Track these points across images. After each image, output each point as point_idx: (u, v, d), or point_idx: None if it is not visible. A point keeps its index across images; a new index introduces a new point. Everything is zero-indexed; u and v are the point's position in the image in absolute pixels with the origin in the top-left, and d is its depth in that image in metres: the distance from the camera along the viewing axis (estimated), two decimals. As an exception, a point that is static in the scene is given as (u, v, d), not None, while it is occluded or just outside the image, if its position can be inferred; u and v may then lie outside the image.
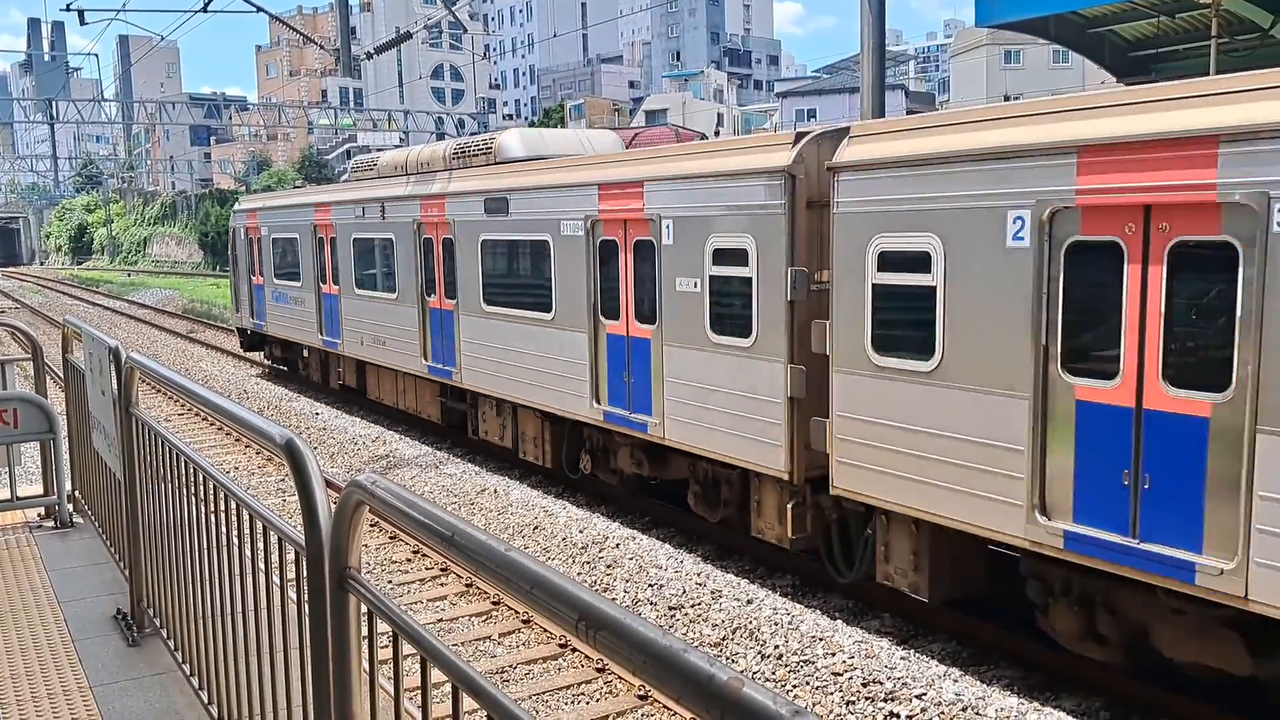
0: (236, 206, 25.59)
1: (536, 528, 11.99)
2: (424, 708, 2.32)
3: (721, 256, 9.92)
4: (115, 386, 5.03)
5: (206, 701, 4.18)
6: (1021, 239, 7.25)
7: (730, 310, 9.88)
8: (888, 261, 8.26)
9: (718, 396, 10.05)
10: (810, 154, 9.04)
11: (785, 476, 9.37)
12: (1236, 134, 6.03)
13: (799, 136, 9.22)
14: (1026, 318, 7.24)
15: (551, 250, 12.58)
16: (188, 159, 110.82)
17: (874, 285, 8.37)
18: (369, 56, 34.98)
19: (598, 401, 11.95)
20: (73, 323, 6.96)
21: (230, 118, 73.87)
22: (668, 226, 10.56)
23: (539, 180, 12.92)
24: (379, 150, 21.87)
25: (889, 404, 8.33)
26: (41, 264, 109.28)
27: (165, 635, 4.86)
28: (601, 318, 11.89)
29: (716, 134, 69.20)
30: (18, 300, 49.37)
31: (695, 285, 10.27)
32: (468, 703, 2.12)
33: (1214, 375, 6.32)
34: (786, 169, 9.03)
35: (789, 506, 9.52)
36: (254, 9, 29.08)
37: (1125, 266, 6.72)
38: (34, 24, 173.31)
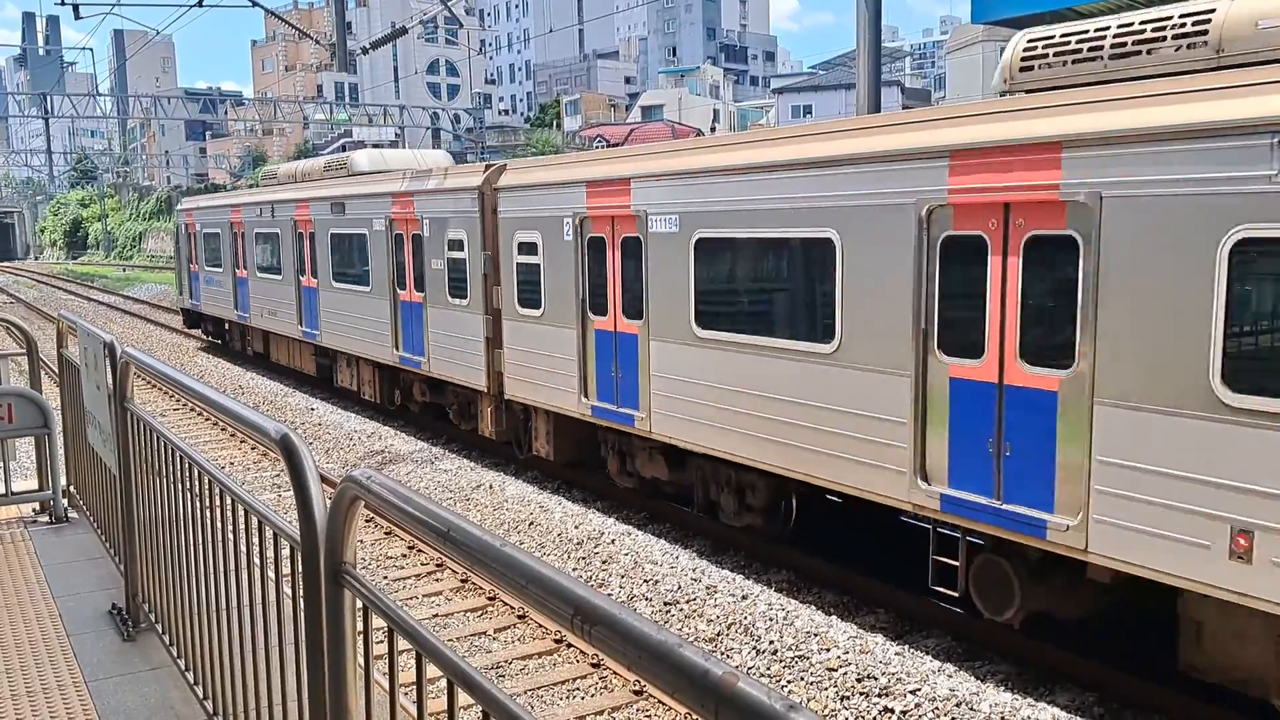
0: (179, 206, 30.72)
1: (532, 523, 11.99)
2: (419, 703, 2.32)
3: (453, 245, 14.78)
4: (110, 381, 5.03)
5: (201, 696, 4.18)
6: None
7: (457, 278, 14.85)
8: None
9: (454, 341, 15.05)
10: (494, 177, 13.93)
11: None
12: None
13: (487, 166, 14.39)
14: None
15: (369, 240, 17.55)
16: (183, 154, 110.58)
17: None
18: (364, 52, 34.90)
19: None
20: (68, 318, 6.95)
21: (225, 113, 73.73)
22: (426, 223, 15.49)
23: (361, 190, 17.88)
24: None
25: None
26: (36, 259, 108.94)
27: (160, 630, 4.86)
28: (396, 289, 16.85)
29: (713, 130, 69.14)
30: (12, 295, 49.25)
31: (437, 264, 15.24)
32: (463, 698, 2.12)
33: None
34: (478, 187, 13.92)
35: (489, 410, 14.47)
36: (249, 3, 28.98)
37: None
38: (29, 18, 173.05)
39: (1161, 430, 6.49)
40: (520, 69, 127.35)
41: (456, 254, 14.59)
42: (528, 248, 13.11)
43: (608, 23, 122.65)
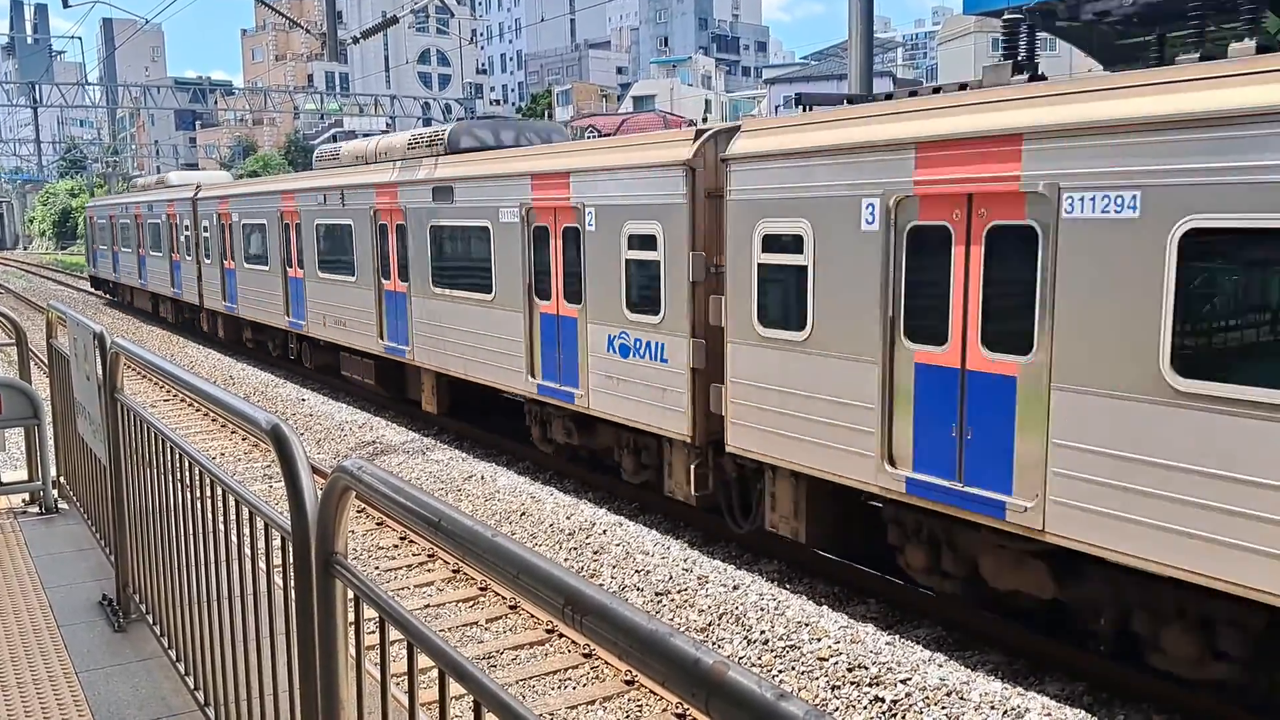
0: (87, 204, 44.58)
1: (523, 513, 12.00)
2: (410, 693, 2.33)
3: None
4: (100, 372, 5.01)
5: (192, 687, 4.18)
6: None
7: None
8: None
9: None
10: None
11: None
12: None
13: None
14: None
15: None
16: (173, 143, 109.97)
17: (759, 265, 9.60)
18: (355, 41, 34.76)
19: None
20: (57, 308, 6.92)
21: (215, 102, 73.32)
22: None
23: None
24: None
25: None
26: (25, 249, 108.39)
27: (151, 621, 4.86)
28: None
29: (704, 120, 69.02)
30: (1, 285, 49.01)
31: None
32: (454, 688, 2.12)
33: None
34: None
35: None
36: (239, -8, 28.78)
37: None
38: (17, 6, 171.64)
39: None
40: (512, 59, 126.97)
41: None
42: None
43: (599, 12, 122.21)
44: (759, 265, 9.42)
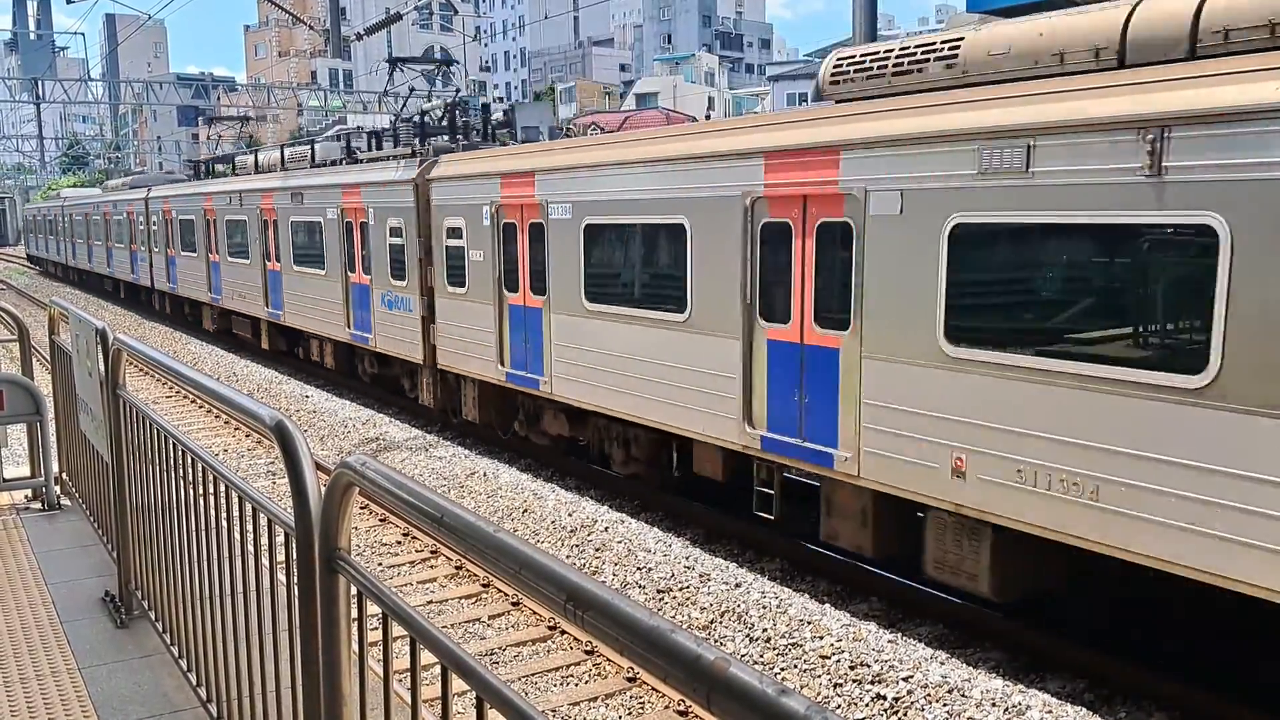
0: (27, 206, 59.04)
1: (526, 510, 12.00)
2: (413, 689, 2.33)
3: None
4: (102, 368, 5.01)
5: (195, 683, 4.18)
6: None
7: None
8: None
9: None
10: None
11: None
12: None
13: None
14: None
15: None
16: (175, 139, 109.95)
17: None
18: (359, 38, 34.75)
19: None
20: (59, 304, 6.92)
21: (218, 98, 73.27)
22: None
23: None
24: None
25: None
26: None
27: (154, 617, 4.86)
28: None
29: (707, 117, 68.93)
30: (3, 282, 49.04)
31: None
32: (457, 684, 2.12)
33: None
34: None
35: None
36: (242, -12, 28.80)
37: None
38: (20, 1, 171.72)
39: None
40: (515, 56, 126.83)
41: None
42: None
43: (603, 10, 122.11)
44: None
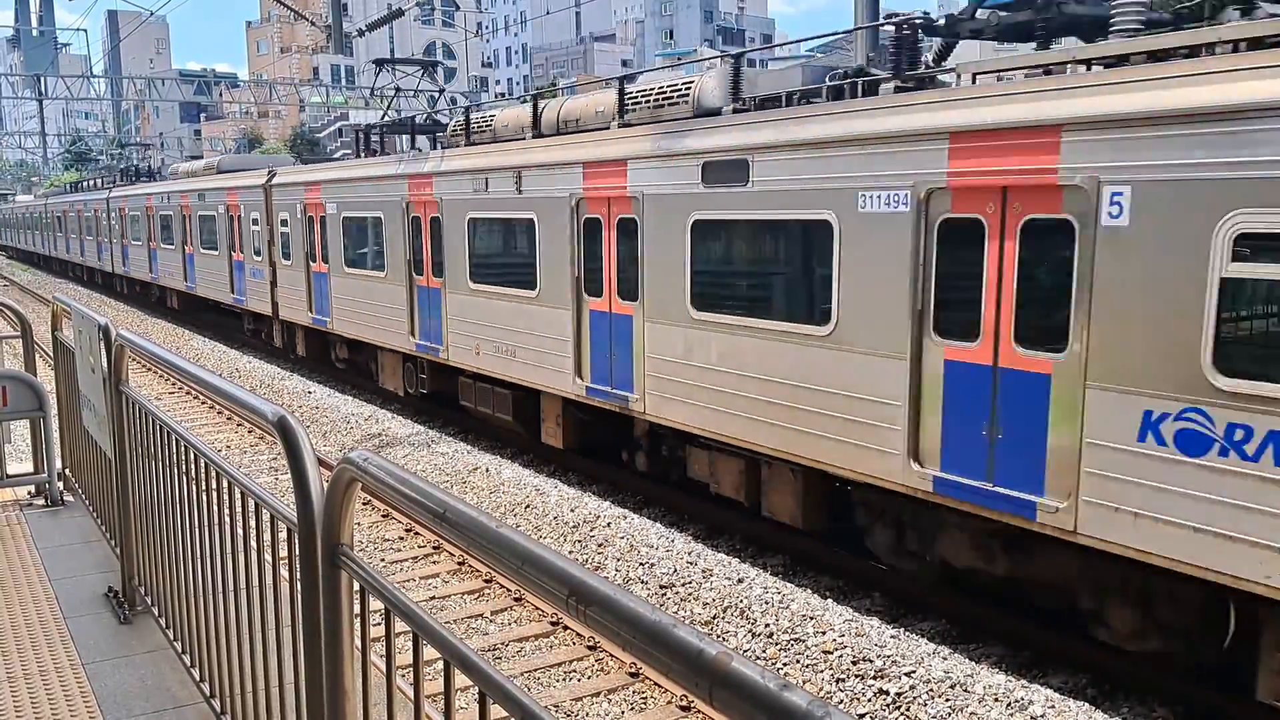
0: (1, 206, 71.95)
1: (528, 506, 12.01)
2: (416, 684, 2.33)
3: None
4: (105, 364, 5.01)
5: (198, 679, 4.18)
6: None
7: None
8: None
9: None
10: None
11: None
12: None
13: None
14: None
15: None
16: (177, 136, 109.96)
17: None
18: (361, 34, 34.70)
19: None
20: (62, 300, 6.92)
21: (220, 95, 73.24)
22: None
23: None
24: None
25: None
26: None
27: (157, 613, 4.86)
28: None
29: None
30: (6, 278, 49.10)
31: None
32: (460, 679, 2.12)
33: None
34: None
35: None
36: (244, -16, 28.81)
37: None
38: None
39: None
40: (517, 52, 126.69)
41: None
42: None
43: (605, 5, 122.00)
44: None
